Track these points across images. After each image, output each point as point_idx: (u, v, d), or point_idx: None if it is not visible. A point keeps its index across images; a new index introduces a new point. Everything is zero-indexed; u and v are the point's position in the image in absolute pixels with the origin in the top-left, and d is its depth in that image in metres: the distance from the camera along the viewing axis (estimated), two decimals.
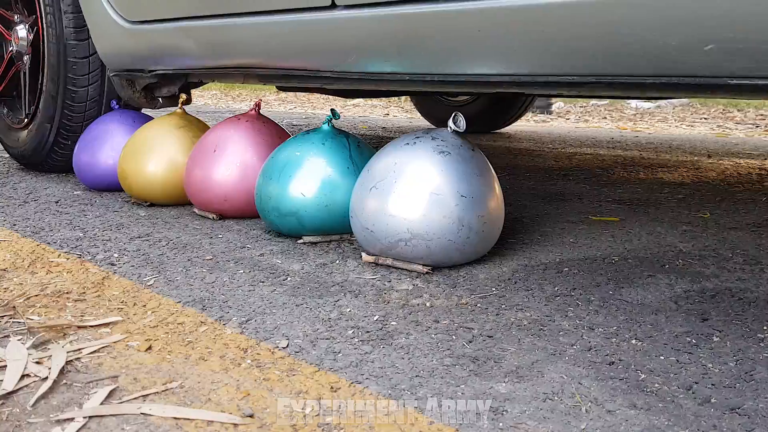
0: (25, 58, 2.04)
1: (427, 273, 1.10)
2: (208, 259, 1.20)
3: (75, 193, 1.80)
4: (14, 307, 0.96)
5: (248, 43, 1.41)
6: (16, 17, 2.08)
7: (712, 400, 0.71)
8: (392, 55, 1.15)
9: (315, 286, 1.06)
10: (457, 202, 1.07)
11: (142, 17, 1.61)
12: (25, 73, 2.06)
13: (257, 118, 1.52)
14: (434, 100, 3.40)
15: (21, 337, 0.87)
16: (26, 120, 2.04)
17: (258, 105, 1.56)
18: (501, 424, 0.67)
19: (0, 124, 2.20)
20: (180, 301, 0.99)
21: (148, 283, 1.07)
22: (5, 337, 0.87)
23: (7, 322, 0.92)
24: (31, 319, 0.92)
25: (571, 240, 1.31)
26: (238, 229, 1.42)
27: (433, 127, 1.24)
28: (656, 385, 0.74)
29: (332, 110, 1.34)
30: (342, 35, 1.20)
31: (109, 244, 1.30)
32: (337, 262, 1.18)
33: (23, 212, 1.56)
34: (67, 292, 1.03)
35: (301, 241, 1.30)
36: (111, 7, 1.67)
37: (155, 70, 1.72)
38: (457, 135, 1.16)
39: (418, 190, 1.08)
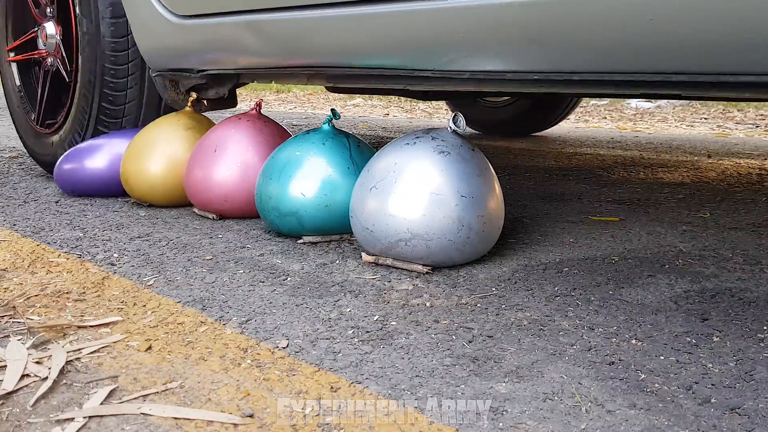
0: (50, 60, 1.93)
1: (427, 273, 1.10)
2: (208, 259, 1.20)
3: None
4: (14, 307, 0.96)
5: (329, 39, 1.24)
6: (47, 10, 1.92)
7: (712, 400, 0.71)
8: (522, 49, 0.96)
9: (315, 286, 1.06)
10: (457, 202, 1.07)
11: (194, 11, 1.46)
12: (52, 73, 1.94)
13: (258, 118, 1.52)
14: (469, 102, 3.20)
15: (21, 337, 0.87)
16: (57, 124, 1.91)
17: (259, 105, 1.56)
18: (501, 424, 0.67)
19: (26, 130, 2.08)
20: (180, 301, 0.99)
21: (148, 283, 1.07)
22: (5, 337, 0.87)
23: (7, 322, 0.92)
24: (31, 319, 0.92)
25: (571, 240, 1.31)
26: (237, 229, 1.42)
27: (435, 126, 1.21)
28: (656, 385, 0.74)
29: (332, 110, 1.34)
30: (457, 25, 1.00)
31: (109, 244, 1.30)
32: (337, 262, 1.18)
33: (23, 212, 1.56)
34: (67, 292, 1.03)
35: (301, 241, 1.30)
36: (157, 0, 1.51)
37: (205, 70, 1.56)
38: (456, 135, 1.15)
39: (418, 190, 1.08)
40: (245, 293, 1.03)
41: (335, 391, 0.73)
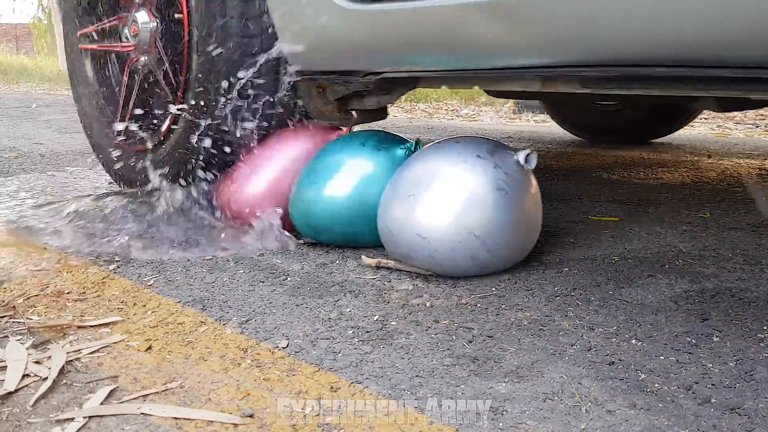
0: (142, 58, 1.50)
1: (427, 274, 1.10)
2: (207, 259, 1.20)
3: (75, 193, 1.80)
4: (14, 307, 0.96)
5: (637, 21, 0.84)
6: None
7: (712, 400, 0.71)
8: None
9: (315, 286, 1.06)
10: (489, 250, 1.04)
11: None
12: (142, 75, 1.53)
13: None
14: (574, 103, 2.79)
15: (21, 337, 0.87)
16: (155, 143, 1.49)
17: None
18: (501, 424, 0.67)
19: (102, 143, 1.69)
20: (180, 301, 0.99)
21: (148, 283, 1.07)
22: (5, 337, 0.87)
23: (7, 322, 0.92)
24: (31, 319, 0.92)
25: (571, 240, 1.31)
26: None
27: (499, 144, 1.10)
28: (656, 385, 0.74)
29: (417, 141, 1.23)
30: None
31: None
32: (338, 262, 1.18)
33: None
34: (67, 292, 1.03)
35: (301, 240, 1.30)
36: None
37: (381, 73, 1.22)
38: (522, 170, 1.08)
39: (459, 224, 1.02)
40: (245, 293, 1.03)
41: (335, 391, 0.73)
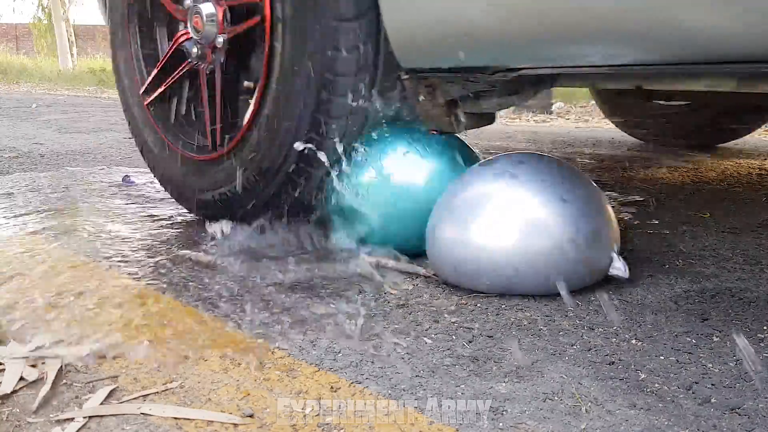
0: (212, 55, 1.30)
1: (427, 274, 1.10)
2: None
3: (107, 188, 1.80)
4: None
5: None
6: None
7: (712, 400, 0.71)
8: None
9: (314, 285, 1.06)
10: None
11: None
12: (203, 76, 1.33)
13: None
14: (635, 103, 2.52)
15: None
16: (220, 151, 1.29)
17: None
18: (501, 424, 0.67)
19: (155, 148, 1.47)
20: (180, 300, 0.99)
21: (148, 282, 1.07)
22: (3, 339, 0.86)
23: None
24: None
25: None
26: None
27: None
28: (656, 385, 0.74)
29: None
30: None
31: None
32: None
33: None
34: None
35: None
36: None
37: (518, 69, 1.00)
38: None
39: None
40: (245, 293, 1.03)
41: (335, 391, 0.73)
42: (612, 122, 2.80)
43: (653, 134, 2.66)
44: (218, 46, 1.27)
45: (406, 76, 1.12)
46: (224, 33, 1.26)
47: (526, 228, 0.98)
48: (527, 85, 1.08)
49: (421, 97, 1.13)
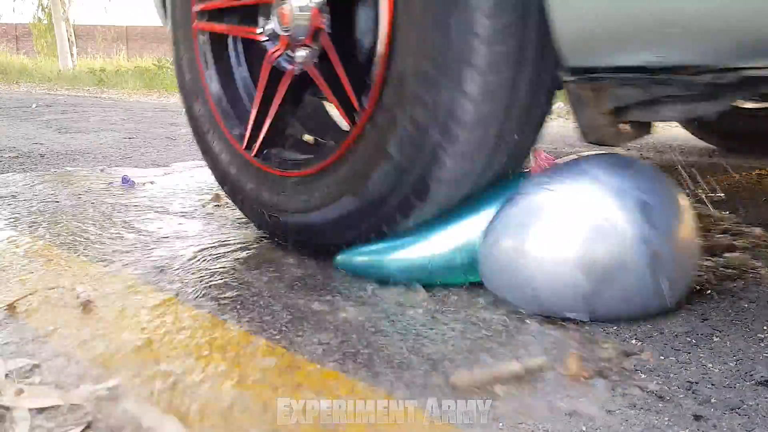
0: (304, 52, 1.11)
1: None
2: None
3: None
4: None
5: None
6: None
7: (712, 400, 0.71)
8: None
9: (315, 285, 1.06)
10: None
11: None
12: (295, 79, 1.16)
13: None
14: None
15: None
16: (317, 165, 1.12)
17: None
18: (501, 424, 0.67)
19: (230, 157, 1.29)
20: (180, 299, 0.99)
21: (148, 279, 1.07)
22: None
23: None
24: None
25: None
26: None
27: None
28: (656, 385, 0.74)
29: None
30: None
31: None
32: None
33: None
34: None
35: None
36: None
37: (749, 67, 0.83)
38: None
39: None
40: (244, 292, 1.03)
41: (335, 391, 0.73)
42: (687, 128, 2.56)
43: (733, 140, 2.44)
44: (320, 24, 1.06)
45: (571, 78, 0.93)
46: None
47: None
48: (730, 90, 0.91)
49: (589, 104, 0.94)
